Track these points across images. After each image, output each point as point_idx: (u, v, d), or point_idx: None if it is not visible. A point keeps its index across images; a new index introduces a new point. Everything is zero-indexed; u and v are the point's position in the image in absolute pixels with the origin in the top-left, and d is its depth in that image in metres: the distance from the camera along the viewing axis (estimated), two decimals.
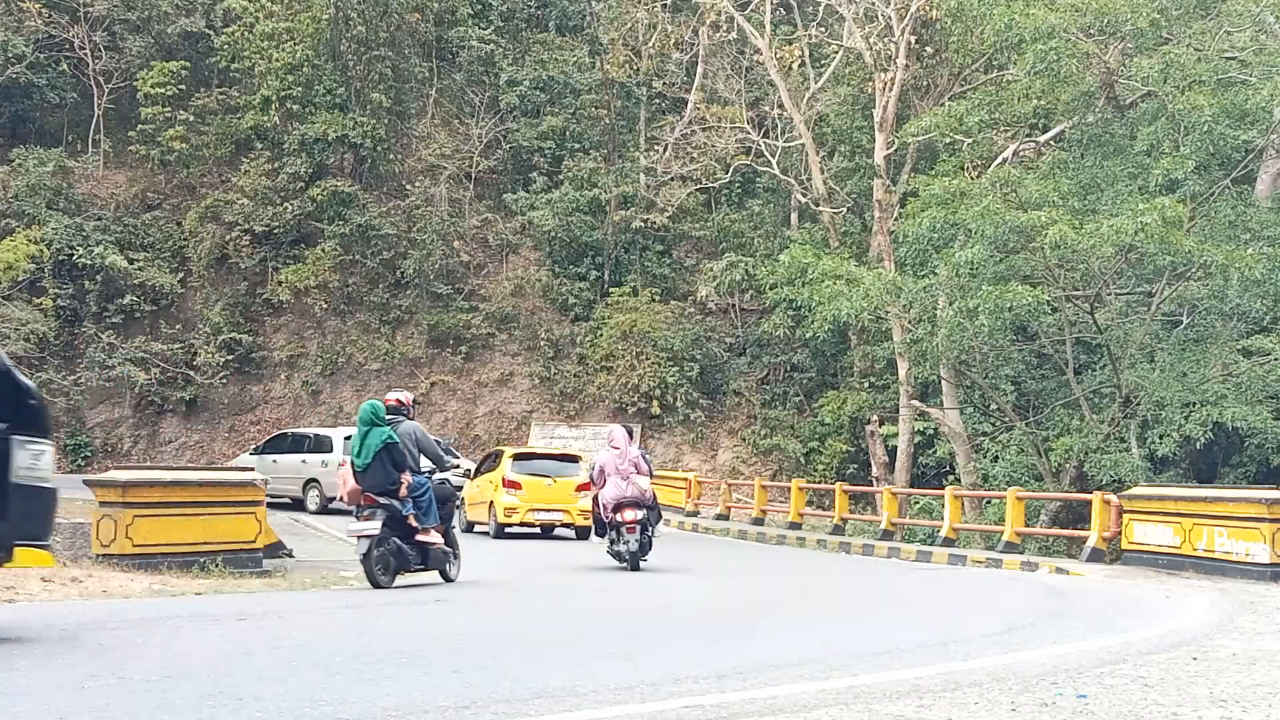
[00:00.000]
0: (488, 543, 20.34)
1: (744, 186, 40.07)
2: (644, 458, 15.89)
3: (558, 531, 22.08)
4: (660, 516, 16.30)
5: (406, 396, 13.04)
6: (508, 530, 21.46)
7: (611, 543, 15.48)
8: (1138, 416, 21.68)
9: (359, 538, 11.90)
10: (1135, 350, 22.29)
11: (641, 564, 15.31)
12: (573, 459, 22.81)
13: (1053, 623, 10.31)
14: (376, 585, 11.79)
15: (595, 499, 15.81)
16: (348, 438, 26.43)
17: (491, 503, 21.57)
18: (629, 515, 15.21)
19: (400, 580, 12.34)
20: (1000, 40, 23.55)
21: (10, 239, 33.02)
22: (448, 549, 12.75)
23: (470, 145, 40.41)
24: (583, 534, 20.88)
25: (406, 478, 12.10)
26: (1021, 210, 21.28)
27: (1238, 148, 22.94)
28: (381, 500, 11.93)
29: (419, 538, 12.27)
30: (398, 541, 12.05)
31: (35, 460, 7.52)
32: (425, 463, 12.68)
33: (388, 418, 12.32)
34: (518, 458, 22.06)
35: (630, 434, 16.33)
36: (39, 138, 38.76)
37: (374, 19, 38.74)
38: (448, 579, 12.73)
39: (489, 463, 23.13)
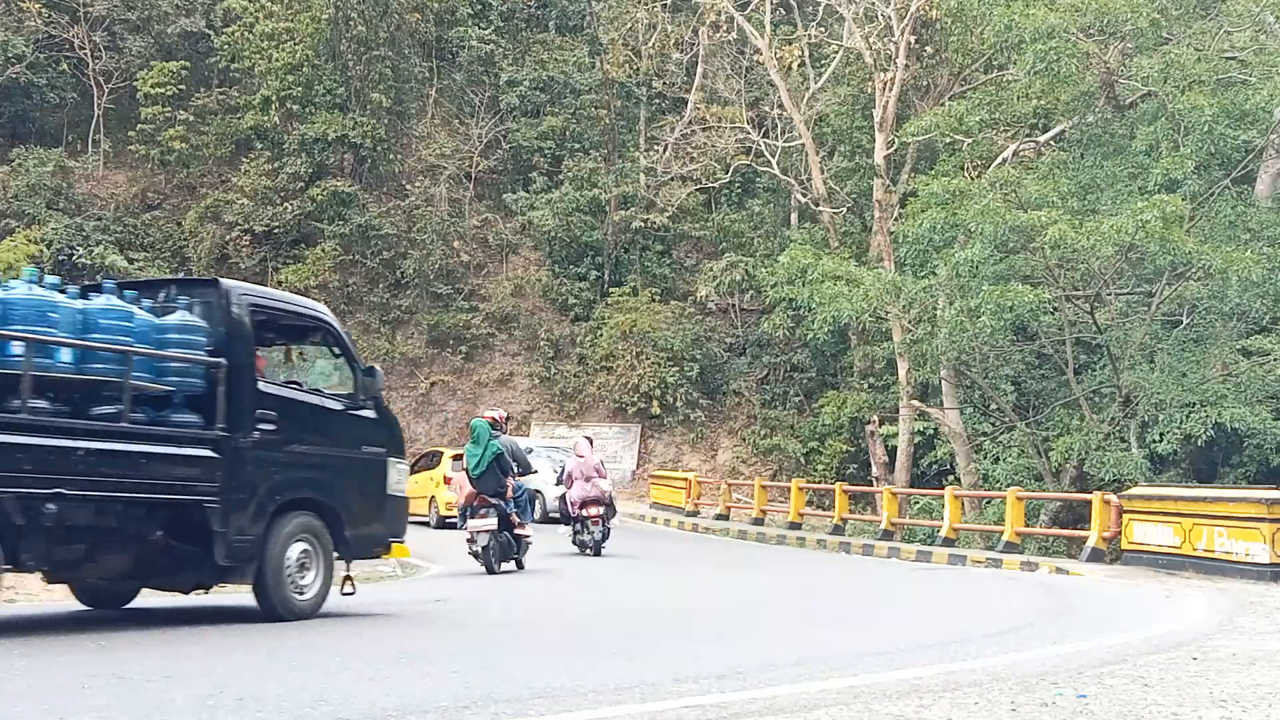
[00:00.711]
0: (439, 534, 22.25)
1: (744, 186, 40.01)
2: (602, 464, 18.81)
3: None
4: (615, 512, 18.81)
5: (500, 414, 16.01)
6: (448, 521, 23.06)
7: (576, 533, 18.06)
8: (1138, 416, 21.65)
9: (478, 533, 14.22)
10: (1135, 350, 22.23)
11: (603, 550, 17.80)
12: None
13: (1053, 623, 10.31)
14: (491, 571, 14.07)
15: (563, 497, 18.47)
16: None
17: (433, 497, 24.36)
18: (592, 511, 17.83)
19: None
20: (1000, 40, 23.49)
21: (10, 239, 32.98)
22: (530, 541, 15.14)
23: (470, 145, 40.39)
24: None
25: (510, 482, 14.58)
26: (1021, 210, 21.25)
27: (1238, 148, 22.89)
28: (492, 500, 14.32)
29: (517, 531, 14.69)
30: (507, 535, 14.49)
31: (400, 476, 10.15)
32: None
33: None
34: (457, 457, 22.92)
35: (591, 444, 19.08)
36: (39, 138, 38.74)
37: (374, 19, 38.72)
38: (520, 566, 14.89)
39: (426, 461, 25.79)
